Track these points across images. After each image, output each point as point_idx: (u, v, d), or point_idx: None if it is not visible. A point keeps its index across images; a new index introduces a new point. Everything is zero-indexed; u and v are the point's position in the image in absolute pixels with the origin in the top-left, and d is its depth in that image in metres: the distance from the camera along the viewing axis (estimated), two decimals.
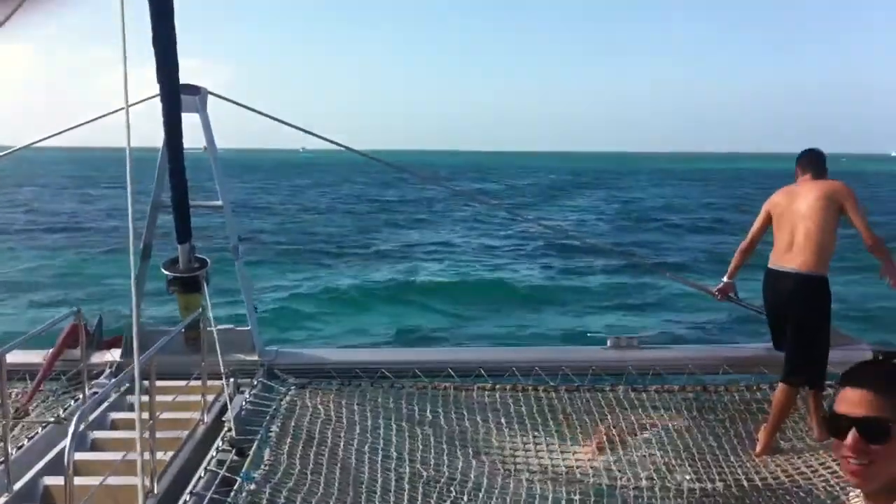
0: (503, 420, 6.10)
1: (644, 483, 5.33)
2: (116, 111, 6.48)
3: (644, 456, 5.70)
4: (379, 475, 5.10)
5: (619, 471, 5.46)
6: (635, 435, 5.98)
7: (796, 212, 5.91)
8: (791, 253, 5.85)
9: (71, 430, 3.55)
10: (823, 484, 5.25)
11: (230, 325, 6.87)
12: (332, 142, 7.47)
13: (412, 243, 32.76)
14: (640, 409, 6.18)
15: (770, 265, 6.05)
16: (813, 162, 6.15)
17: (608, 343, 6.93)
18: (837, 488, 5.15)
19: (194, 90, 6.35)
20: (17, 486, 4.51)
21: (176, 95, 5.89)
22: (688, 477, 5.45)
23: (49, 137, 7.21)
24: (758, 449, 5.75)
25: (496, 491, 5.12)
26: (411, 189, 59.42)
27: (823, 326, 5.89)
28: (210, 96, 6.59)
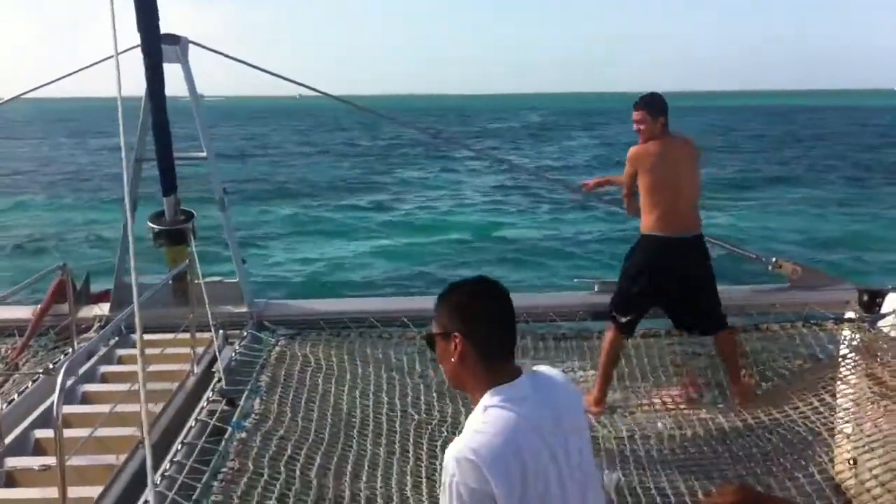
0: None
1: (624, 433, 5.40)
2: (100, 61, 6.47)
3: (624, 405, 5.78)
4: (371, 420, 5.14)
5: (599, 423, 5.50)
6: (619, 383, 6.05)
7: (680, 175, 5.73)
8: (684, 217, 5.72)
9: (59, 381, 3.56)
10: (804, 420, 5.32)
11: (218, 278, 6.88)
12: (306, 86, 7.42)
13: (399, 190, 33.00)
14: (623, 359, 6.19)
15: (663, 233, 5.69)
16: (666, 110, 5.79)
17: (595, 288, 6.95)
18: (819, 424, 5.23)
19: (175, 40, 6.27)
20: (8, 439, 4.54)
21: (157, 46, 5.83)
22: (669, 424, 5.52)
23: (35, 89, 7.15)
24: (738, 399, 5.78)
25: None
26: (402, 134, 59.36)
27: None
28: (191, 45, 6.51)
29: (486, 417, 2.19)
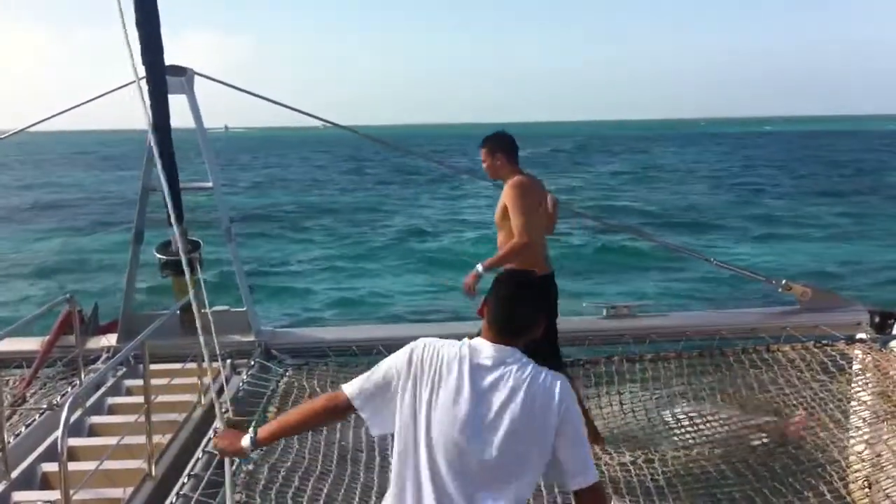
0: None
1: (627, 457, 5.35)
2: (109, 92, 6.52)
3: (629, 430, 5.73)
4: (377, 453, 5.10)
5: (602, 451, 5.43)
6: (628, 409, 6.00)
7: (544, 213, 5.48)
8: (545, 254, 5.46)
9: (63, 416, 3.54)
10: (813, 439, 5.27)
11: (226, 307, 6.86)
12: (314, 116, 7.44)
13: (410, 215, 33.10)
14: (629, 382, 6.15)
15: (540, 270, 5.15)
16: (505, 148, 5.47)
17: (604, 313, 6.92)
18: (830, 443, 5.17)
19: (180, 71, 6.31)
20: (15, 473, 4.52)
21: (162, 77, 5.85)
22: (672, 446, 5.48)
23: (43, 121, 7.18)
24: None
25: None
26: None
27: None
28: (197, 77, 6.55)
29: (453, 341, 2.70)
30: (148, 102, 5.75)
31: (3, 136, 7.24)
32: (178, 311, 6.10)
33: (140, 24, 5.44)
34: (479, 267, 5.22)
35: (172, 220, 6.27)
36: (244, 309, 6.70)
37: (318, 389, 5.84)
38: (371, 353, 6.46)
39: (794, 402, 5.78)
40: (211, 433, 4.94)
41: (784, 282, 6.88)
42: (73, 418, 3.84)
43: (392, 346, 6.37)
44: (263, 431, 2.91)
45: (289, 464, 4.65)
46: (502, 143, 5.44)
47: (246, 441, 2.92)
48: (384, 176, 55.59)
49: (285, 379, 5.91)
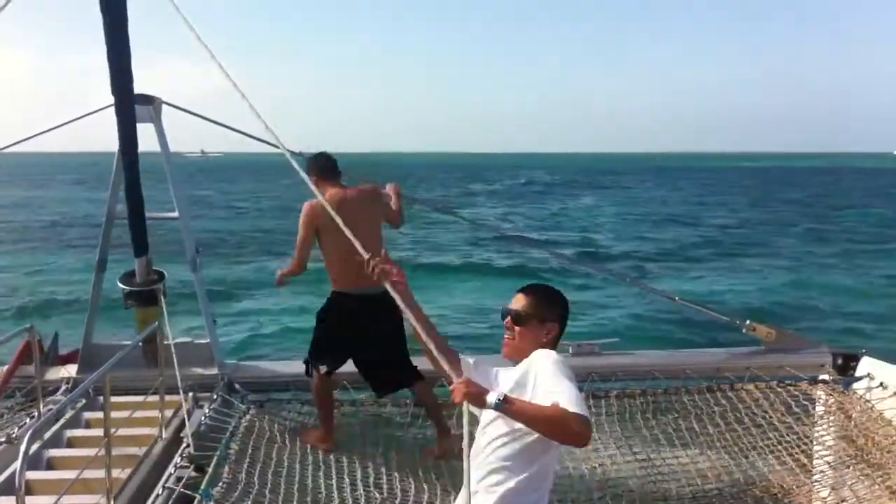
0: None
1: (595, 494, 5.33)
2: (79, 118, 6.50)
3: (596, 466, 5.71)
4: (336, 496, 5.04)
5: (569, 485, 5.42)
6: (591, 445, 5.99)
7: (367, 221, 5.56)
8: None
9: (22, 449, 3.46)
10: (779, 482, 5.29)
11: (188, 339, 6.78)
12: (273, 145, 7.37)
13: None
14: (595, 418, 6.15)
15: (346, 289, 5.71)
16: (318, 168, 5.79)
17: (570, 350, 6.92)
18: (794, 486, 5.19)
19: (148, 100, 6.29)
20: None
21: (130, 106, 5.83)
22: (639, 482, 5.47)
23: (14, 144, 7.09)
24: (443, 454, 5.72)
25: None
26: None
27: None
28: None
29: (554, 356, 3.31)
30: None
31: None
32: (141, 343, 6.02)
33: (110, 55, 5.42)
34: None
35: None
36: (207, 341, 6.62)
37: (279, 425, 5.80)
38: (336, 386, 6.41)
39: (760, 443, 5.81)
40: (171, 468, 4.85)
41: (748, 322, 6.92)
42: (31, 451, 3.76)
43: (357, 380, 6.38)
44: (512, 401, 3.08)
45: (249, 502, 4.58)
46: (313, 165, 5.75)
47: (492, 398, 3.05)
48: None
49: (248, 415, 5.84)
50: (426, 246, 33.49)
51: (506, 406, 3.02)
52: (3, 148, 6.91)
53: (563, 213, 51.97)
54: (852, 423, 5.69)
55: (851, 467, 5.28)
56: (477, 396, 3.06)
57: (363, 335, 5.72)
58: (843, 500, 5.01)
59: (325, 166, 5.78)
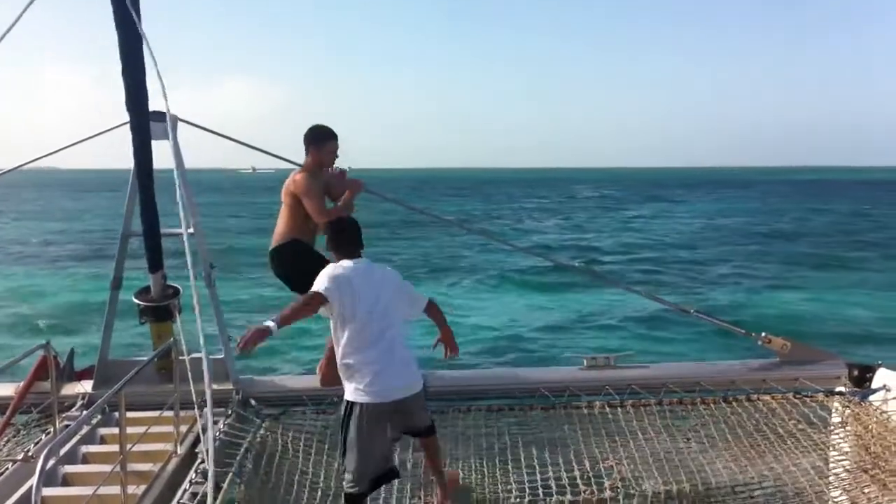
0: (483, 443, 6.06)
1: (608, 493, 5.32)
2: (88, 137, 6.55)
3: (611, 466, 5.70)
4: None
5: (584, 483, 5.42)
6: (608, 448, 5.98)
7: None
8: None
9: (38, 467, 3.49)
10: (792, 482, 5.27)
11: (203, 354, 6.80)
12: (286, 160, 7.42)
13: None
14: (613, 424, 6.16)
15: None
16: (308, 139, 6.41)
17: (584, 363, 6.91)
18: (812, 494, 5.16)
19: (162, 117, 6.30)
20: None
21: (145, 124, 5.87)
22: (653, 482, 5.45)
23: (36, 160, 7.16)
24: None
25: None
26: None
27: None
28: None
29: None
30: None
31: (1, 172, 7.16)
32: (156, 359, 6.04)
33: (125, 72, 5.47)
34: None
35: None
36: (222, 356, 6.63)
37: (294, 439, 5.80)
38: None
39: (776, 452, 5.78)
40: (186, 484, 4.87)
41: (763, 335, 6.90)
42: (46, 467, 3.78)
43: None
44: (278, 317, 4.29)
45: None
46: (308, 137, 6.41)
47: (269, 323, 4.16)
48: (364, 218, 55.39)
49: (262, 430, 5.85)
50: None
51: (277, 322, 4.22)
52: (26, 163, 6.98)
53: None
54: (869, 433, 5.66)
55: (868, 477, 5.26)
56: (259, 333, 4.15)
57: None
58: None
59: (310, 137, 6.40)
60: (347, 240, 4.97)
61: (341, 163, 6.47)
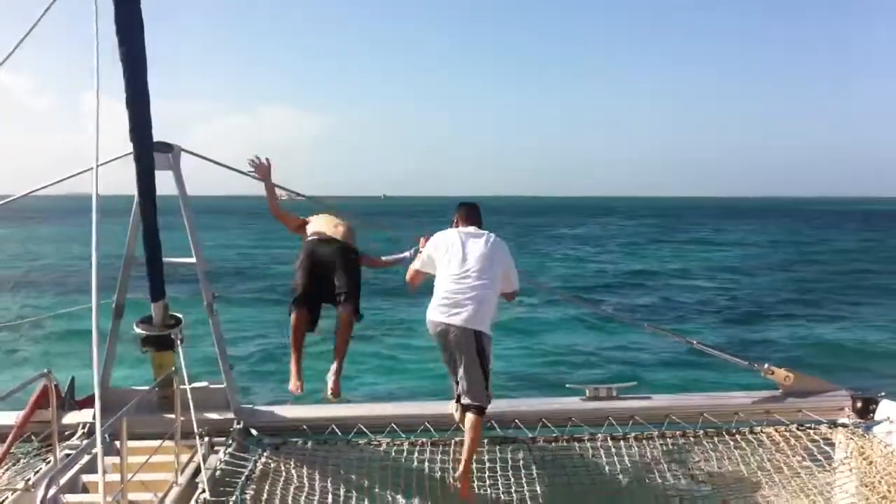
0: (486, 474, 6.04)
1: None
2: (99, 165, 6.56)
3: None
4: None
5: None
6: (610, 483, 5.95)
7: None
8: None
9: (39, 496, 3.47)
10: None
11: (204, 383, 6.78)
12: (286, 189, 7.42)
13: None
14: (616, 458, 6.14)
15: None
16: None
17: (587, 394, 6.89)
18: None
19: (167, 147, 6.33)
20: None
21: (149, 154, 5.89)
22: None
23: (37, 190, 7.15)
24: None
25: None
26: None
27: None
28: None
29: None
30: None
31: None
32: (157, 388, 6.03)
33: (129, 103, 5.50)
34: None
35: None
36: (223, 385, 6.62)
37: (295, 471, 5.78)
38: (350, 431, 6.40)
39: (782, 489, 5.75)
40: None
41: (766, 366, 6.89)
42: (47, 497, 3.77)
43: (373, 424, 6.36)
44: None
45: None
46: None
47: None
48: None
49: (262, 460, 5.83)
50: None
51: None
52: (35, 190, 6.99)
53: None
54: (874, 469, 5.63)
55: None
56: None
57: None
58: None
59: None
60: None
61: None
